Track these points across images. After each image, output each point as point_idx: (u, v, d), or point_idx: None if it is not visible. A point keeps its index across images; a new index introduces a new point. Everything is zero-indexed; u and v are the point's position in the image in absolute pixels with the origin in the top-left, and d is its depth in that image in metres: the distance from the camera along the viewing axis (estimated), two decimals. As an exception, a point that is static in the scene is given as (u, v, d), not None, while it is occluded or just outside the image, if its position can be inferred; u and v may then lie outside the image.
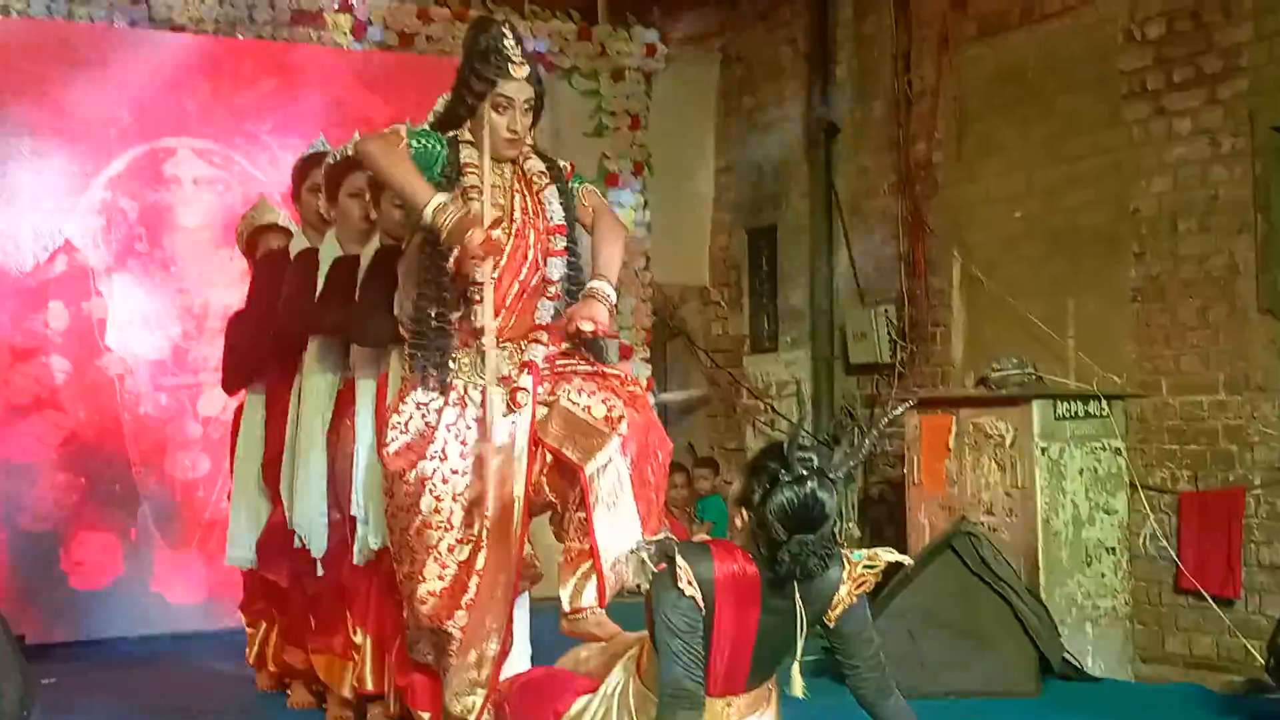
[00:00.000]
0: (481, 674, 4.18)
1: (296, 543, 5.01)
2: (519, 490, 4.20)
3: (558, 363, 4.26)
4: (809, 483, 3.30)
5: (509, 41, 4.23)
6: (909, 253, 7.83)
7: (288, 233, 5.62)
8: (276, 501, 5.21)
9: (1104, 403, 5.88)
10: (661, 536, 3.56)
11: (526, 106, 4.24)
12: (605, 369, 4.25)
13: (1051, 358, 6.56)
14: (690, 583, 3.35)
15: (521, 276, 4.25)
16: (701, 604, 3.36)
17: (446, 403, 4.23)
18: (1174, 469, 6.30)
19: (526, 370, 4.21)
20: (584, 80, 8.16)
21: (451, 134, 4.30)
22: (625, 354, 8.21)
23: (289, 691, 5.32)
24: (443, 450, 4.22)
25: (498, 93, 4.19)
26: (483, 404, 4.19)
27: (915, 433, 6.31)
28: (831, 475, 3.38)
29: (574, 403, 4.14)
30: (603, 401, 4.10)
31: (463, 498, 4.21)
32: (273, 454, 5.26)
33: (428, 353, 4.20)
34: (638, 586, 3.59)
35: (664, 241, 8.60)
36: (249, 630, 5.67)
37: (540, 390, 4.20)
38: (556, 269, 4.28)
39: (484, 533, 4.17)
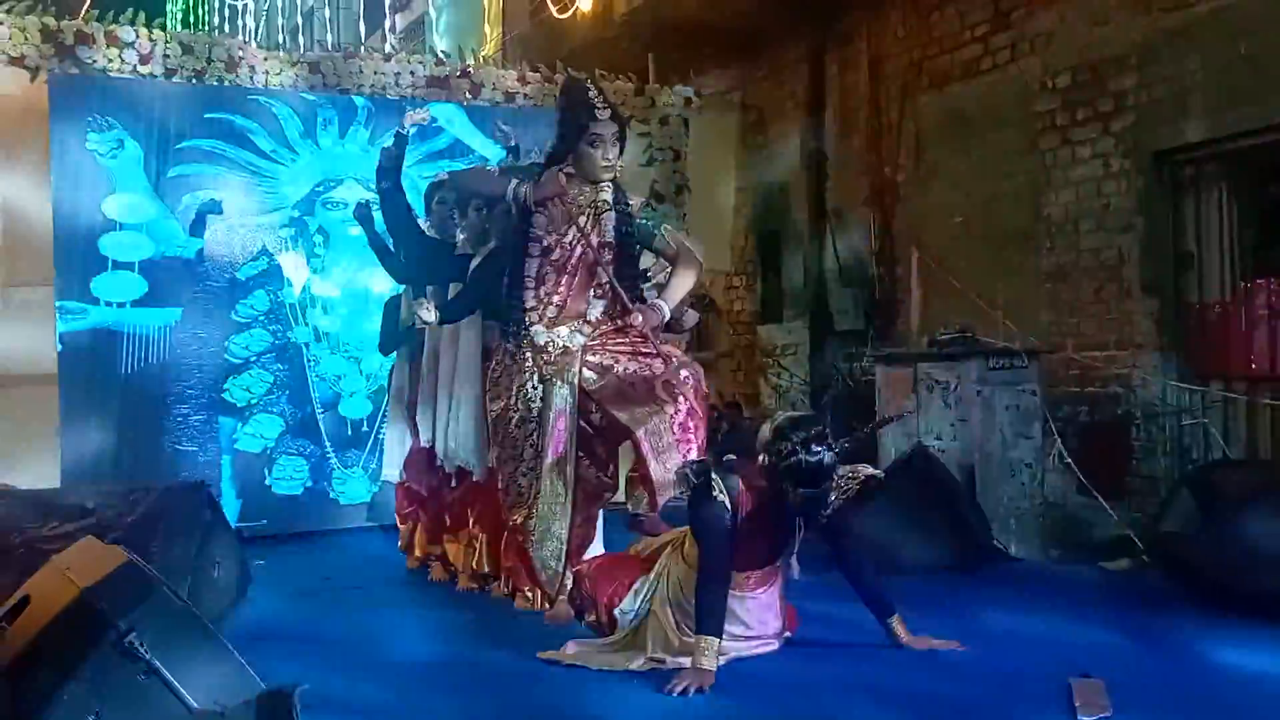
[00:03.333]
0: (554, 562, 4.16)
1: (440, 462, 5.00)
2: (568, 443, 4.15)
3: (610, 343, 4.19)
4: (821, 455, 3.30)
5: (592, 93, 4.19)
6: (879, 248, 7.77)
7: None
8: (417, 434, 5.23)
9: (1024, 358, 5.80)
10: (701, 459, 3.58)
11: (614, 139, 4.18)
12: (647, 347, 4.11)
13: (985, 324, 6.47)
14: (721, 492, 3.36)
15: (563, 276, 4.18)
16: (729, 507, 3.37)
17: (518, 367, 4.21)
18: (1077, 405, 6.24)
19: (567, 351, 4.16)
20: (639, 125, 8.06)
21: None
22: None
23: (430, 569, 5.36)
24: (515, 403, 4.20)
25: (591, 132, 4.13)
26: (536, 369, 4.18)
27: (884, 380, 6.24)
28: (837, 450, 3.38)
29: (622, 377, 4.09)
30: (645, 379, 4.04)
31: (529, 441, 4.19)
32: (413, 399, 5.27)
33: (511, 325, 4.20)
34: (681, 494, 3.61)
35: (699, 241, 8.52)
36: (401, 527, 5.69)
37: (594, 359, 4.15)
38: (604, 275, 4.20)
39: (542, 468, 4.14)
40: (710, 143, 8.66)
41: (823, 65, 8.29)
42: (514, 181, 4.16)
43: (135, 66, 6.47)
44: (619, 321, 4.18)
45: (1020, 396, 5.73)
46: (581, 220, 4.16)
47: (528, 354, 4.19)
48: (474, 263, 4.74)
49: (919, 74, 7.41)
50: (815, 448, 3.29)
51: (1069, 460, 5.86)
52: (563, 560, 4.15)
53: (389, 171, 5.12)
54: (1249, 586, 3.97)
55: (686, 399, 3.94)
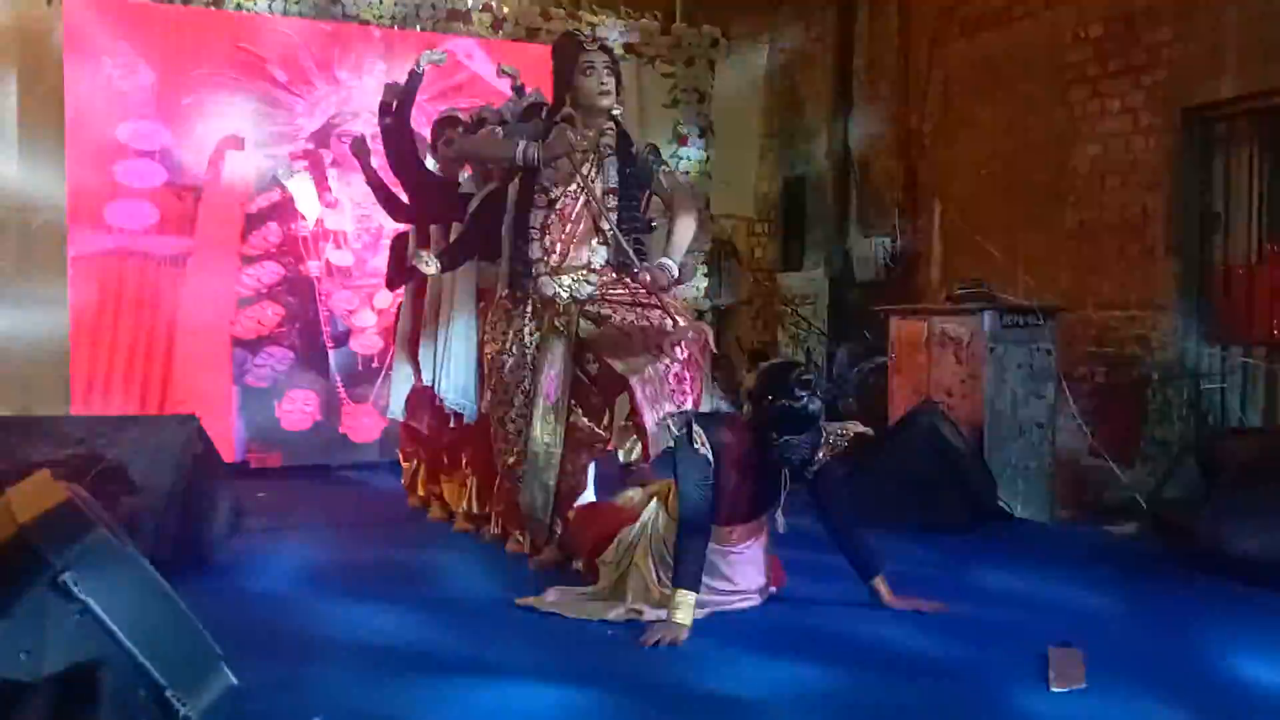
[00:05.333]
0: (541, 509, 4.11)
1: (440, 403, 4.96)
2: (562, 391, 4.08)
3: (610, 293, 4.09)
4: (804, 400, 3.23)
5: (580, 35, 4.13)
6: (902, 199, 7.61)
7: None
8: (419, 371, 5.18)
9: (1039, 315, 5.67)
10: (684, 410, 3.52)
11: (607, 69, 4.07)
12: (647, 298, 3.96)
13: (1006, 280, 6.34)
14: (703, 444, 3.31)
15: (568, 224, 4.08)
16: (711, 459, 3.32)
17: (518, 313, 4.14)
18: (1093, 365, 6.12)
19: (572, 301, 4.08)
20: (664, 65, 7.95)
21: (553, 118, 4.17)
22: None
23: (430, 508, 5.35)
24: (510, 348, 4.14)
25: (582, 61, 4.03)
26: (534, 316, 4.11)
27: (897, 334, 6.13)
28: (822, 395, 3.32)
29: (620, 327, 3.99)
30: (643, 329, 3.94)
31: (521, 387, 4.13)
32: (416, 335, 5.22)
33: (514, 275, 4.11)
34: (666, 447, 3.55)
35: (722, 186, 8.39)
36: (404, 464, 5.66)
37: (592, 308, 4.06)
38: (608, 222, 4.11)
39: (533, 415, 4.08)
40: (736, 86, 8.48)
41: (852, 9, 8.08)
42: (521, 144, 4.05)
43: (152, -9, 6.40)
44: (619, 274, 4.08)
45: (1034, 354, 5.60)
46: (585, 167, 4.05)
47: (529, 302, 4.11)
48: (473, 204, 4.66)
49: (949, 21, 7.20)
50: (799, 393, 3.23)
51: (1080, 421, 5.75)
52: (550, 507, 4.10)
53: (396, 107, 5.03)
54: (1249, 557, 3.87)
55: (686, 351, 3.85)
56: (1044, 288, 6.18)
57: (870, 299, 7.72)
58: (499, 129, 4.66)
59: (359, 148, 5.36)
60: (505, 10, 7.43)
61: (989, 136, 6.87)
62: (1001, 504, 5.39)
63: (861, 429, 3.51)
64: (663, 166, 4.21)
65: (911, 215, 7.50)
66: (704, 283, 8.19)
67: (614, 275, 4.09)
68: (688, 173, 7.98)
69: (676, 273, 3.99)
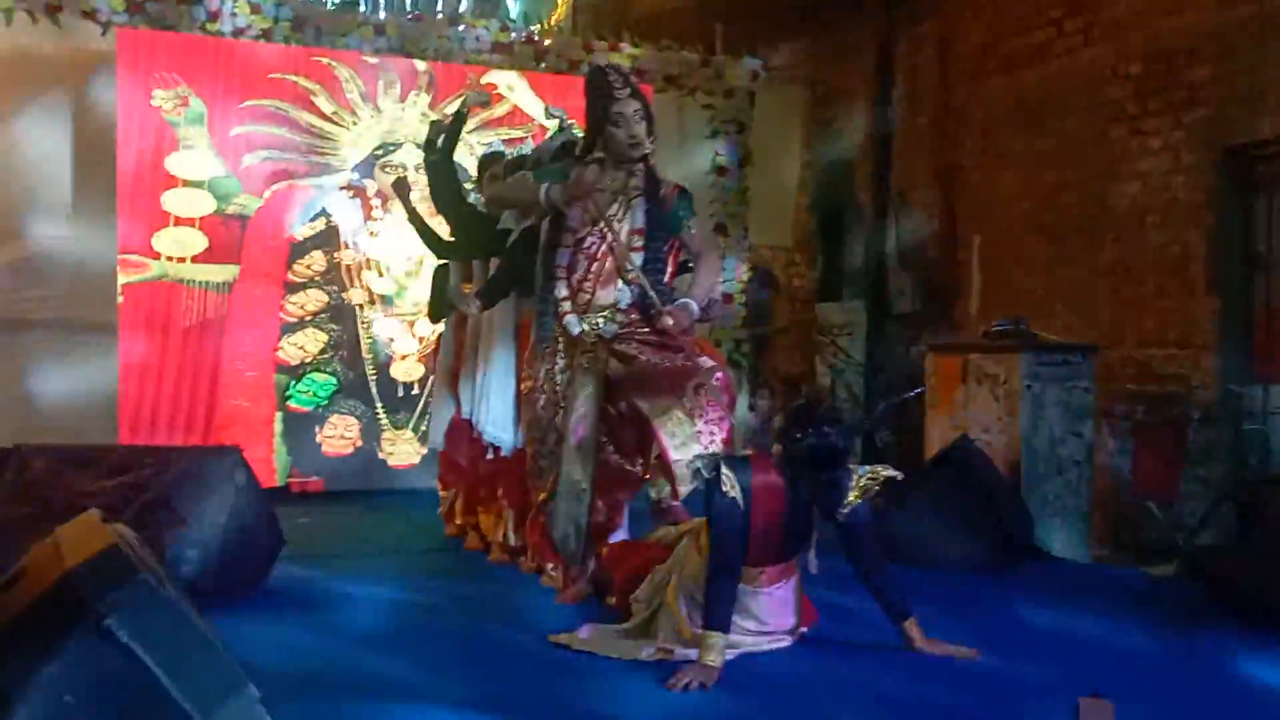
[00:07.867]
0: (573, 544, 4.14)
1: (478, 435, 5.00)
2: (590, 429, 4.12)
3: (638, 333, 4.11)
4: (831, 438, 3.24)
5: (612, 75, 4.11)
6: (940, 232, 7.61)
7: None
8: (459, 404, 5.24)
9: (1078, 354, 5.64)
10: (713, 452, 3.53)
11: (638, 116, 4.09)
12: (674, 343, 3.99)
13: (1044, 315, 6.32)
14: (733, 486, 3.31)
15: (594, 264, 4.11)
16: (741, 502, 3.32)
17: (549, 351, 4.17)
18: (1132, 404, 6.07)
19: (598, 340, 4.10)
20: (704, 96, 8.00)
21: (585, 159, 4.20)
22: (728, 299, 8.08)
23: (466, 538, 5.39)
24: (542, 385, 4.17)
25: (613, 112, 4.06)
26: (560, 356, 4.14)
27: (934, 369, 6.11)
28: (850, 432, 3.32)
29: (646, 368, 3.99)
30: (669, 370, 3.96)
31: (553, 424, 4.16)
32: (456, 368, 5.27)
33: (544, 316, 4.16)
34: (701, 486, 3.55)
35: (760, 216, 8.41)
36: (442, 493, 5.70)
37: (621, 347, 4.08)
38: (634, 261, 4.14)
39: (562, 454, 4.11)
40: (776, 117, 8.51)
41: (892, 44, 8.10)
42: (544, 186, 4.11)
43: (203, 24, 6.53)
44: (643, 315, 4.10)
45: (1072, 393, 5.56)
46: (612, 208, 4.09)
47: (559, 341, 4.15)
48: (511, 239, 4.72)
49: (989, 56, 7.21)
50: (826, 429, 3.24)
51: (1118, 460, 5.71)
52: (580, 544, 4.12)
53: (440, 145, 5.10)
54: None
55: (710, 394, 3.86)
56: (1083, 324, 6.16)
57: (908, 330, 7.73)
58: (529, 173, 4.72)
59: (400, 187, 5.44)
60: (548, 43, 7.51)
61: (1028, 172, 6.86)
62: (1038, 543, 5.35)
63: (891, 472, 3.49)
64: (690, 220, 4.21)
65: (950, 249, 7.48)
66: (742, 311, 8.22)
67: (639, 315, 4.12)
68: (727, 203, 8.02)
69: (698, 311, 4.02)
